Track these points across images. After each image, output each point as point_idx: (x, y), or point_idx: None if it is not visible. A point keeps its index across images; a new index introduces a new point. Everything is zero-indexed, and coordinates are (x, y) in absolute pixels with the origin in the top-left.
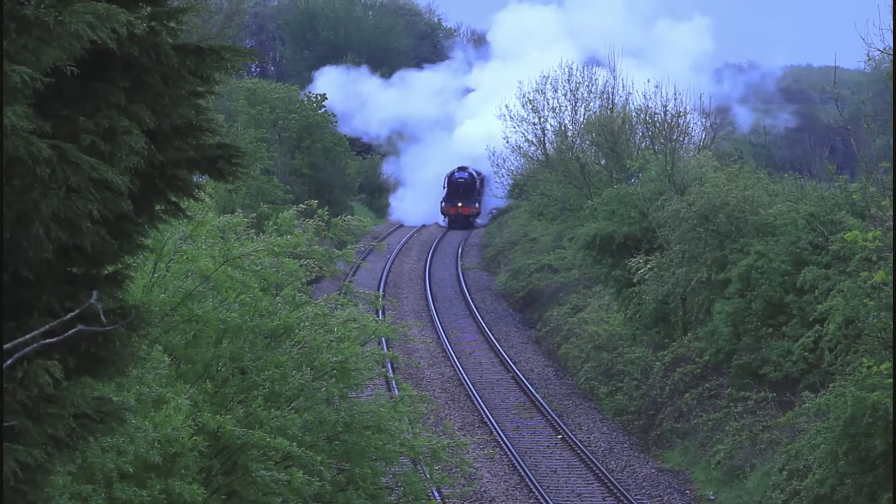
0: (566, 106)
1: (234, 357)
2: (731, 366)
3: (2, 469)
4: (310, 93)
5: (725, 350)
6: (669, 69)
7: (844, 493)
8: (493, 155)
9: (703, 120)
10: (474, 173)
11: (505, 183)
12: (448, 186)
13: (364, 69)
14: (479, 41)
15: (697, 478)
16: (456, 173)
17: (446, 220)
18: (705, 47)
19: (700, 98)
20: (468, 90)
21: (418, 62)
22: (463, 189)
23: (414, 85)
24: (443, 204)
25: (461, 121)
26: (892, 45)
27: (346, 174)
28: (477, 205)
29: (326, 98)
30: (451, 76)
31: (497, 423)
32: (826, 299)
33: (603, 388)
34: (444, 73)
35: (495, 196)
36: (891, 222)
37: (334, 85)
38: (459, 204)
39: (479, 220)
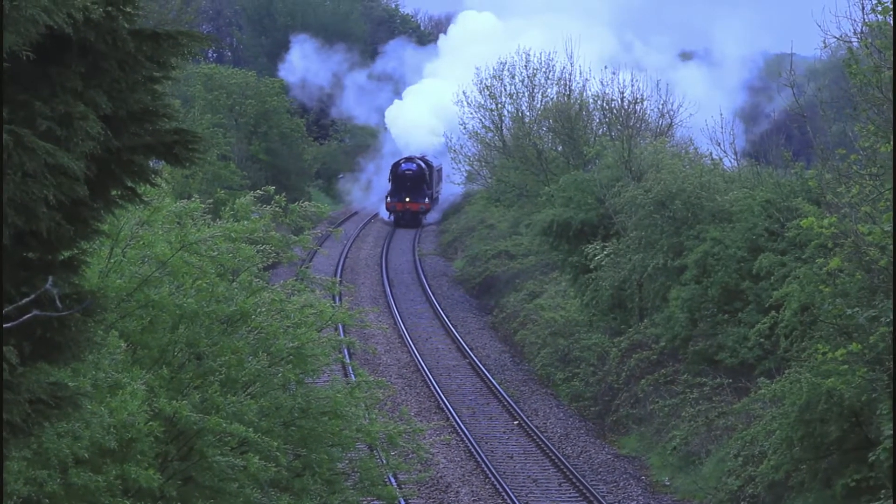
0: (523, 92)
1: (191, 342)
2: (687, 352)
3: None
4: (268, 78)
5: (682, 336)
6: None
7: (799, 479)
8: (450, 141)
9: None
10: (423, 164)
11: (462, 169)
12: (394, 179)
13: (334, 49)
14: (437, 27)
15: (653, 463)
16: (402, 164)
17: (391, 216)
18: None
19: (657, 84)
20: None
21: (375, 48)
22: (411, 182)
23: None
24: (388, 199)
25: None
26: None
27: (304, 160)
28: (427, 200)
29: (284, 83)
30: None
31: (453, 409)
32: (782, 286)
33: (559, 374)
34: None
35: (452, 182)
36: (846, 209)
37: (314, 61)
38: (407, 199)
39: (429, 217)
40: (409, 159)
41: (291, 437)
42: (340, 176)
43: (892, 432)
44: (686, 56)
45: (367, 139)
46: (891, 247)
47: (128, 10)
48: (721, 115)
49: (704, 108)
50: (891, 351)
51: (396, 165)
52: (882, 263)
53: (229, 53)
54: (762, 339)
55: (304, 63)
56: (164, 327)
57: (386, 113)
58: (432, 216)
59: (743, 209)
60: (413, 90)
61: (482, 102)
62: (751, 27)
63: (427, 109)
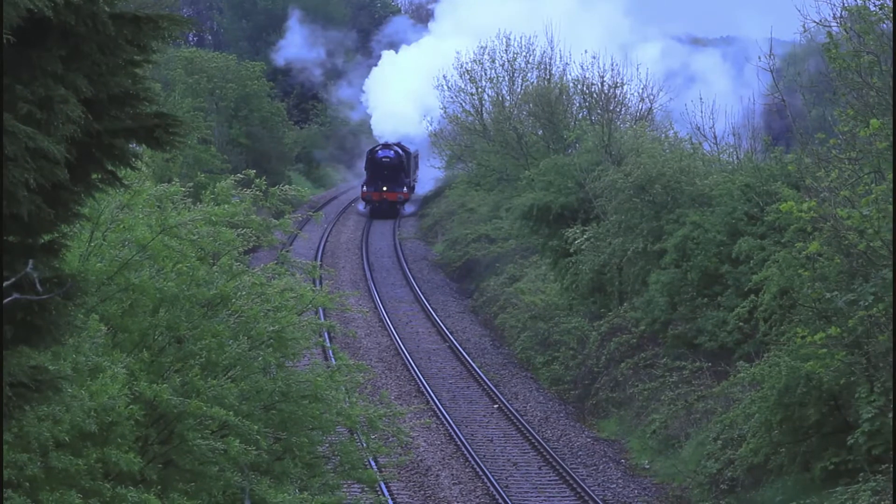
0: (504, 76)
1: (171, 326)
2: (666, 336)
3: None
4: (248, 61)
5: (661, 320)
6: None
7: (778, 462)
8: (431, 124)
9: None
10: (401, 151)
11: (443, 154)
12: (369, 167)
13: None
14: (418, 11)
15: (633, 447)
16: (379, 151)
17: (367, 207)
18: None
19: (637, 69)
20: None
21: (357, 32)
22: (388, 170)
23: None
24: (363, 188)
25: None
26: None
27: (284, 144)
28: (405, 189)
29: (265, 68)
30: None
31: (434, 393)
32: (761, 270)
33: (539, 358)
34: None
35: (433, 167)
36: (825, 193)
37: (304, 47)
38: (384, 188)
39: (407, 208)
40: (387, 146)
41: (272, 420)
42: (318, 156)
43: (870, 416)
44: (699, 41)
45: (351, 124)
46: (869, 230)
47: None
48: (701, 99)
49: (727, 105)
50: (869, 335)
51: (373, 152)
52: (861, 247)
53: (210, 37)
54: (741, 323)
55: (298, 47)
56: (144, 311)
57: (362, 98)
58: (410, 207)
59: (722, 193)
60: (398, 56)
61: (462, 86)
62: (770, 13)
63: (405, 90)
